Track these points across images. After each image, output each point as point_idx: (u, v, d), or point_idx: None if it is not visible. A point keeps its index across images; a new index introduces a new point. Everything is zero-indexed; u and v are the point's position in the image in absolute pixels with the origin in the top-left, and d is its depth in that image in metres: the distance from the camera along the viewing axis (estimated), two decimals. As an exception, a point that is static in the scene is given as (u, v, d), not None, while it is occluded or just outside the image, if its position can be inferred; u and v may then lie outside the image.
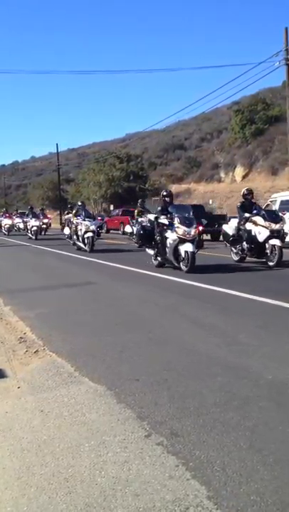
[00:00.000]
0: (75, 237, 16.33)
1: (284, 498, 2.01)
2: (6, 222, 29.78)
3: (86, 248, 15.14)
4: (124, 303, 6.77)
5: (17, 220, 30.92)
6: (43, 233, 26.17)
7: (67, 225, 21.90)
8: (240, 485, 2.11)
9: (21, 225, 27.32)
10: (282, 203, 15.41)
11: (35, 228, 23.49)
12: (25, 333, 4.99)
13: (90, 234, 15.14)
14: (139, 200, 20.06)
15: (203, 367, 3.75)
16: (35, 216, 24.80)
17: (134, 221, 17.88)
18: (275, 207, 15.50)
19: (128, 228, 17.90)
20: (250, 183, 34.48)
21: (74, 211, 17.49)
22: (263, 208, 12.37)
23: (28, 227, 24.43)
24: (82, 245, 15.54)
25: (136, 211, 18.62)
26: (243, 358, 3.95)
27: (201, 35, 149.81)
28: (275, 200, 16.00)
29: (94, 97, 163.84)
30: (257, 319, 5.37)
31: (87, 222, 15.50)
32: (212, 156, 42.88)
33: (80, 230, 15.61)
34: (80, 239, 15.62)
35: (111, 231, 29.65)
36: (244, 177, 36.85)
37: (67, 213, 23.96)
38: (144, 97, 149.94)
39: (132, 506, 1.99)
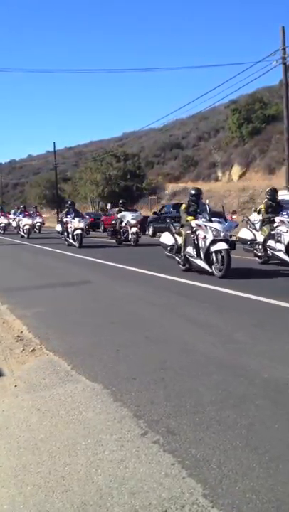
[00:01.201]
0: (190, 249, 9.31)
1: (279, 496, 2.02)
2: (26, 222, 23.31)
3: (213, 271, 8.73)
4: None
5: (37, 220, 25.98)
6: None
7: (122, 225, 17.53)
8: (236, 483, 2.13)
9: (58, 228, 18.86)
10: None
11: (78, 232, 16.50)
12: (22, 332, 4.99)
13: (222, 246, 8.64)
14: (268, 190, 11.48)
15: (200, 365, 3.76)
16: (79, 215, 17.45)
17: (254, 221, 11.28)
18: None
19: (246, 233, 11.25)
20: (247, 182, 34.58)
21: (184, 206, 10.01)
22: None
23: (69, 230, 17.10)
24: (203, 265, 9.02)
25: (262, 206, 11.12)
26: (240, 356, 3.97)
27: (199, 35, 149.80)
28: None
29: (91, 95, 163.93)
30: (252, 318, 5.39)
31: (215, 225, 8.91)
32: (209, 155, 42.87)
33: (204, 239, 8.96)
34: (202, 254, 8.96)
35: (107, 230, 29.40)
36: (241, 176, 36.88)
37: (119, 211, 18.23)
38: (141, 95, 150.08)
39: (128, 504, 2.00)
